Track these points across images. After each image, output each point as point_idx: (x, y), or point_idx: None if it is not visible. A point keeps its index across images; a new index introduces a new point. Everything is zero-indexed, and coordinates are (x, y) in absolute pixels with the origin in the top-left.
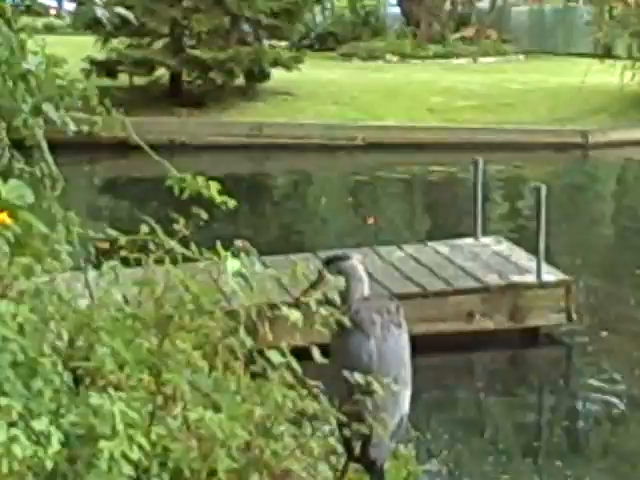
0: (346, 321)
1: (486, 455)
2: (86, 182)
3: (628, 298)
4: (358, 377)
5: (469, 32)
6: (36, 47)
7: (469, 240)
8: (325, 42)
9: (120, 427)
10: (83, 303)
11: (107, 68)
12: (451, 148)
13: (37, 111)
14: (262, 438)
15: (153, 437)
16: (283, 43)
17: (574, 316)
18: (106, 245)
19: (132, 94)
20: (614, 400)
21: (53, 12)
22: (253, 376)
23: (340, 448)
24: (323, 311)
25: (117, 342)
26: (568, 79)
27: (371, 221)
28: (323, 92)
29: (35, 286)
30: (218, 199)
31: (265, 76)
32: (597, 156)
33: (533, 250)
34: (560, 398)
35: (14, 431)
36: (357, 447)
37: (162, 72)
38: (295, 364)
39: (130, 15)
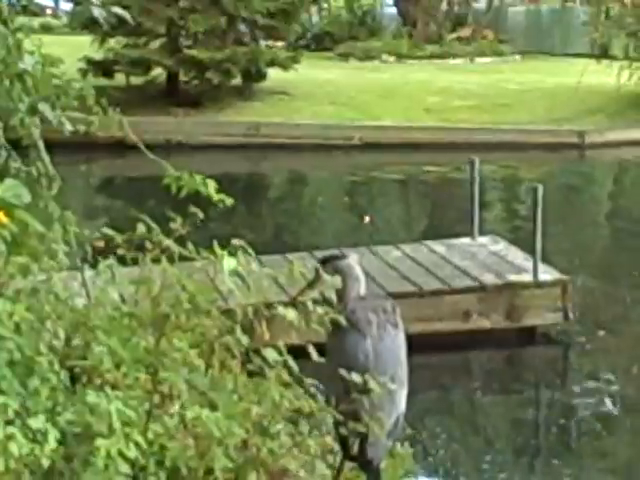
0: (342, 320)
1: (482, 454)
2: (83, 181)
3: (624, 297)
4: (355, 376)
5: (466, 32)
6: (33, 47)
7: (466, 240)
8: (322, 42)
9: (117, 425)
10: (80, 302)
11: (104, 68)
12: (448, 148)
13: (33, 111)
14: (259, 436)
15: (150, 435)
16: (280, 43)
17: (571, 315)
18: (102, 244)
19: (129, 94)
20: (610, 399)
21: (50, 12)
22: (250, 375)
23: (337, 447)
24: (319, 310)
25: (114, 341)
26: (565, 79)
27: (367, 220)
28: (320, 92)
29: (32, 285)
30: (215, 197)
31: (262, 76)
32: (594, 156)
33: (530, 250)
34: (556, 397)
35: (11, 429)
36: (354, 446)
37: (159, 72)
38: (292, 362)
39: (127, 15)
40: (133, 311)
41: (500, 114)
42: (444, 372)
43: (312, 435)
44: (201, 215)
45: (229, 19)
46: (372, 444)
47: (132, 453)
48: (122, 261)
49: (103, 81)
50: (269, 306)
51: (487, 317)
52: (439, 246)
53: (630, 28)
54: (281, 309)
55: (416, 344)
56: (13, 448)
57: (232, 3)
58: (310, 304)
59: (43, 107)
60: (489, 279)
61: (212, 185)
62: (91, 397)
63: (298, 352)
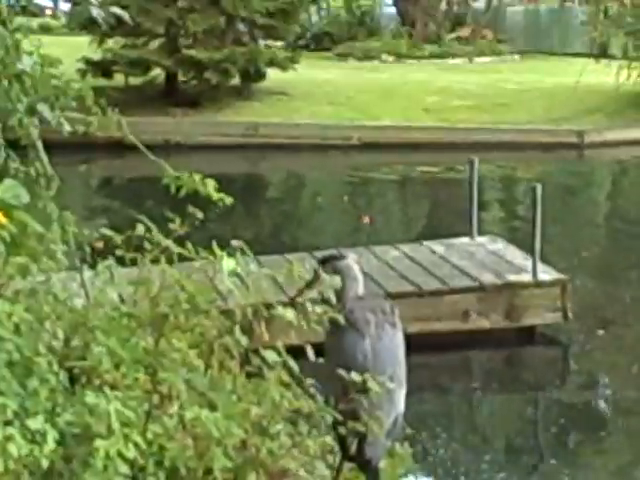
0: (341, 320)
1: (482, 454)
2: (81, 182)
3: (624, 297)
4: (353, 375)
5: (465, 32)
6: (31, 47)
7: (465, 239)
8: (321, 42)
9: (116, 426)
10: (79, 302)
11: (102, 68)
12: (447, 148)
13: (32, 111)
14: (258, 437)
15: (149, 436)
16: (279, 43)
17: (570, 315)
18: (102, 244)
19: (127, 94)
20: (610, 399)
21: (49, 12)
22: (248, 375)
23: (336, 447)
24: (318, 310)
25: (113, 341)
26: (563, 79)
27: (366, 220)
28: (319, 92)
29: (31, 286)
30: (215, 196)
31: (261, 76)
32: (593, 156)
33: (529, 249)
34: (556, 397)
35: (10, 430)
36: (353, 446)
37: (157, 72)
38: (292, 363)
39: (125, 15)
40: (132, 311)
41: (499, 114)
42: (443, 372)
43: (311, 435)
44: (200, 215)
45: (228, 19)
46: (371, 444)
47: (131, 453)
48: (121, 261)
49: (102, 81)
50: (268, 306)
51: (486, 317)
52: (438, 246)
53: (629, 27)
54: (280, 309)
55: (415, 344)
56: (12, 449)
57: (231, 3)
58: (309, 304)
59: (42, 108)
60: (488, 279)
61: (211, 184)
62: (90, 398)
63: (297, 352)
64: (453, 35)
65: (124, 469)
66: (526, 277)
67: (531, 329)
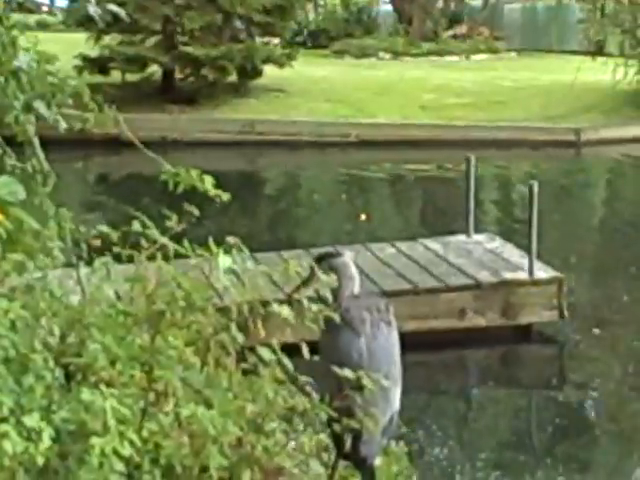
0: (336, 318)
1: (477, 452)
2: (78, 178)
3: (620, 295)
4: (348, 373)
5: (461, 29)
6: (28, 44)
7: (461, 237)
8: (318, 39)
9: (111, 423)
10: (75, 299)
11: (99, 65)
12: (443, 145)
13: (29, 108)
14: (254, 434)
15: (145, 433)
16: (276, 40)
17: (566, 313)
18: (98, 241)
19: (124, 91)
20: (606, 397)
21: (45, 9)
22: (245, 373)
23: (331, 444)
24: (314, 307)
25: (109, 338)
26: (560, 76)
27: (363, 218)
28: (315, 89)
29: (27, 282)
30: (212, 192)
31: (257, 73)
32: (589, 153)
33: (525, 247)
34: (552, 395)
35: (5, 427)
36: (347, 443)
37: (154, 69)
38: (286, 360)
39: (122, 12)
40: (128, 309)
41: (495, 111)
42: (439, 370)
43: (306, 433)
44: (196, 212)
45: (225, 16)
46: (366, 442)
47: (127, 451)
48: (117, 258)
49: (99, 78)
50: (264, 304)
51: (483, 315)
52: (435, 244)
53: (626, 25)
54: (276, 307)
55: (411, 342)
56: (7, 446)
57: (228, 0)
58: (305, 302)
59: (38, 105)
60: (485, 277)
61: (209, 180)
62: (86, 395)
63: (293, 350)
64: (450, 32)
65: (119, 466)
66: (522, 275)
67: (527, 327)
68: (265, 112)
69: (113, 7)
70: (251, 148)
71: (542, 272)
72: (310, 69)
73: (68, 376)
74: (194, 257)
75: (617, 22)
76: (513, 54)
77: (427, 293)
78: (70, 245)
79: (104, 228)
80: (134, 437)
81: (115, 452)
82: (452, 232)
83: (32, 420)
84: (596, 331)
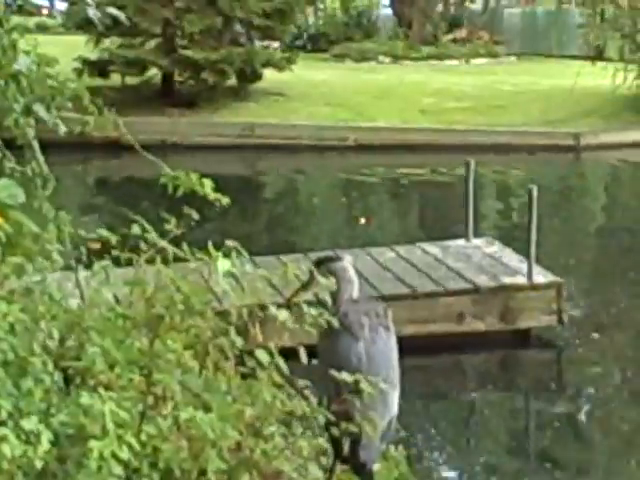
0: (335, 323)
1: (476, 457)
2: (78, 182)
3: (619, 300)
4: (346, 376)
5: (461, 34)
6: (28, 47)
7: (460, 241)
8: (317, 43)
9: (110, 427)
10: (74, 303)
11: (99, 68)
12: (443, 150)
13: (28, 111)
14: (252, 438)
15: (143, 437)
16: (275, 44)
17: (565, 318)
18: (97, 245)
19: (124, 94)
20: (605, 402)
21: (45, 12)
22: (243, 376)
23: (329, 448)
24: (313, 312)
25: (108, 342)
26: (560, 81)
27: (363, 222)
28: (315, 93)
29: (26, 285)
30: (212, 195)
31: (257, 77)
32: (589, 158)
33: (524, 252)
34: (551, 400)
35: (3, 430)
36: (345, 446)
37: (154, 72)
38: (282, 364)
39: (121, 15)
40: (127, 312)
41: (495, 116)
42: (438, 374)
43: (305, 437)
44: (196, 216)
45: (225, 19)
46: (365, 447)
47: (125, 455)
48: (117, 262)
49: (98, 81)
50: (263, 307)
51: (481, 319)
52: (433, 248)
53: (625, 30)
54: (274, 311)
55: (410, 346)
56: (6, 450)
57: (228, 3)
58: (304, 306)
59: (37, 108)
60: (483, 281)
61: (208, 184)
62: (85, 398)
63: (291, 354)
64: (450, 36)
65: (118, 470)
66: (521, 280)
67: (526, 332)
68: (265, 116)
69: (113, 10)
70: (251, 152)
71: (541, 277)
72: (310, 73)
73: (67, 379)
74: (193, 261)
75: (617, 27)
76: (513, 58)
77: (426, 297)
78: (69, 248)
79: (103, 231)
80: (133, 441)
81: (114, 456)
82: (451, 236)
83: (31, 423)
84: (595, 336)
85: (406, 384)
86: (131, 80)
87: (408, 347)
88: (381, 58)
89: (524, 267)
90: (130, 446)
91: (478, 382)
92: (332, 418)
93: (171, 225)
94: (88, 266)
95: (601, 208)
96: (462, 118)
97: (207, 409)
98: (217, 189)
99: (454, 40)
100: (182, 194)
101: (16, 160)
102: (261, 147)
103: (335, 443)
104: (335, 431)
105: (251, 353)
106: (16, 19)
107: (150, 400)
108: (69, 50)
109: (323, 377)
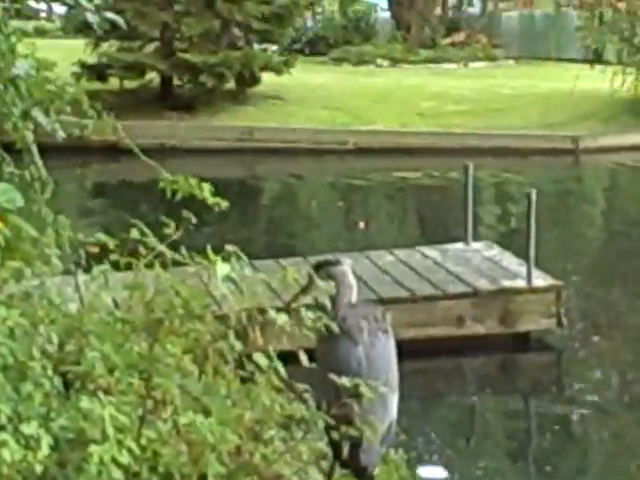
0: (334, 327)
1: (476, 460)
2: (77, 186)
3: (618, 303)
4: (345, 380)
5: (459, 37)
6: (26, 51)
7: (459, 245)
8: (316, 46)
9: (110, 431)
10: (73, 307)
11: (98, 72)
12: (441, 153)
13: (27, 115)
14: (252, 442)
15: (143, 441)
16: (274, 47)
17: (564, 321)
18: (96, 249)
19: (122, 98)
20: (604, 405)
21: (43, 15)
22: (243, 380)
23: (329, 452)
24: (312, 316)
25: (107, 346)
26: (558, 84)
27: (362, 226)
28: (313, 96)
29: (25, 290)
30: (211, 199)
31: (255, 80)
32: (587, 161)
33: (523, 255)
34: (550, 403)
35: (3, 435)
36: (345, 450)
37: (153, 76)
38: (280, 368)
39: (120, 20)
40: (126, 316)
41: (493, 119)
42: (438, 378)
43: (304, 440)
44: (194, 220)
45: (223, 23)
46: (366, 451)
47: (125, 459)
48: (116, 266)
49: (97, 85)
50: (262, 311)
51: (481, 322)
52: (433, 251)
53: (624, 33)
54: (274, 314)
55: (409, 350)
56: (5, 454)
57: (226, 7)
58: (303, 310)
59: (36, 112)
60: (483, 284)
61: (207, 188)
62: (84, 403)
63: (290, 358)
64: (448, 40)
65: (118, 474)
66: (521, 283)
67: (526, 335)
68: (263, 119)
69: (111, 15)
70: (249, 155)
71: (540, 280)
72: (308, 76)
73: (66, 384)
74: (192, 265)
75: (615, 30)
76: (511, 62)
77: (425, 301)
78: (68, 252)
79: (102, 235)
80: (132, 445)
81: (113, 460)
82: (450, 240)
83: (30, 428)
84: (594, 339)
85: (405, 388)
86: (130, 84)
87: (407, 351)
88: (379, 61)
89: (523, 270)
90: (130, 450)
91: (478, 385)
92: (332, 422)
93: (170, 229)
94: (87, 270)
95: (600, 211)
96: (461, 121)
97: (207, 413)
98: (216, 193)
99: (452, 43)
100: (181, 198)
101: (15, 164)
102: (260, 151)
103: (335, 447)
104: (335, 435)
105: (251, 357)
106: (14, 23)
107: (150, 404)
108: (68, 54)
109: (323, 381)
